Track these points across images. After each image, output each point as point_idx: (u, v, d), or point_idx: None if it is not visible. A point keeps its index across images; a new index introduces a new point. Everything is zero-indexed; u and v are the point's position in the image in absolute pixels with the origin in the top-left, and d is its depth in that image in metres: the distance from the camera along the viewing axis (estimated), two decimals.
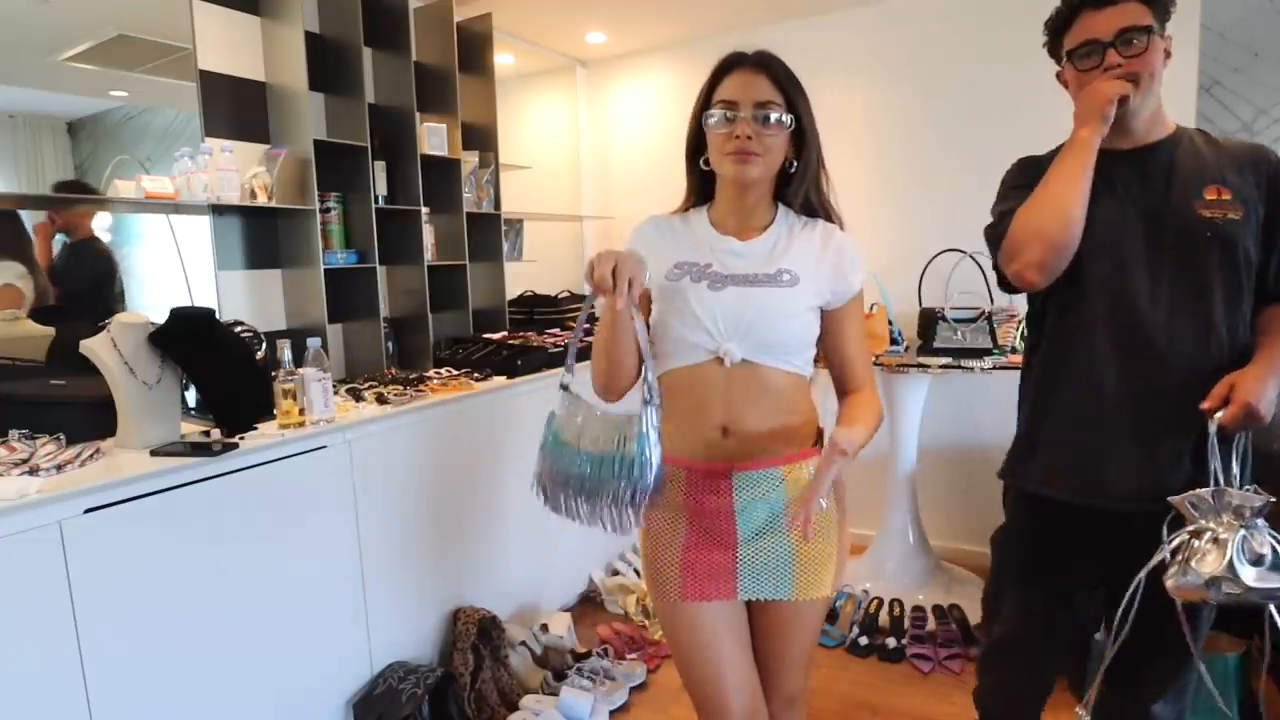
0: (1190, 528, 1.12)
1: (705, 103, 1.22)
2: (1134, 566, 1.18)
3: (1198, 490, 1.13)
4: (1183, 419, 1.18)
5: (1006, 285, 1.34)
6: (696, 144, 1.27)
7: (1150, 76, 1.20)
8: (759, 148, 1.17)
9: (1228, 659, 1.91)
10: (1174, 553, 1.13)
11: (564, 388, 1.18)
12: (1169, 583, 1.11)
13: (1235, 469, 1.16)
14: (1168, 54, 1.22)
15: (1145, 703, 1.33)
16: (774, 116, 1.16)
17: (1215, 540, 1.09)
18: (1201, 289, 1.20)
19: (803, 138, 1.21)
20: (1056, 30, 1.29)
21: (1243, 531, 1.08)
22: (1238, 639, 2.06)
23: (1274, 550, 1.07)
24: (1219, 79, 2.50)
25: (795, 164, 1.23)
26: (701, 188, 1.31)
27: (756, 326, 1.19)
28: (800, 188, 1.24)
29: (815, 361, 1.30)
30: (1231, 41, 2.46)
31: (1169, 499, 1.15)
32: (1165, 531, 1.16)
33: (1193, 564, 1.09)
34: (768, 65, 1.19)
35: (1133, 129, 1.25)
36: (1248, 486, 1.14)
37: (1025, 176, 1.33)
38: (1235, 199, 1.19)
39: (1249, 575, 1.06)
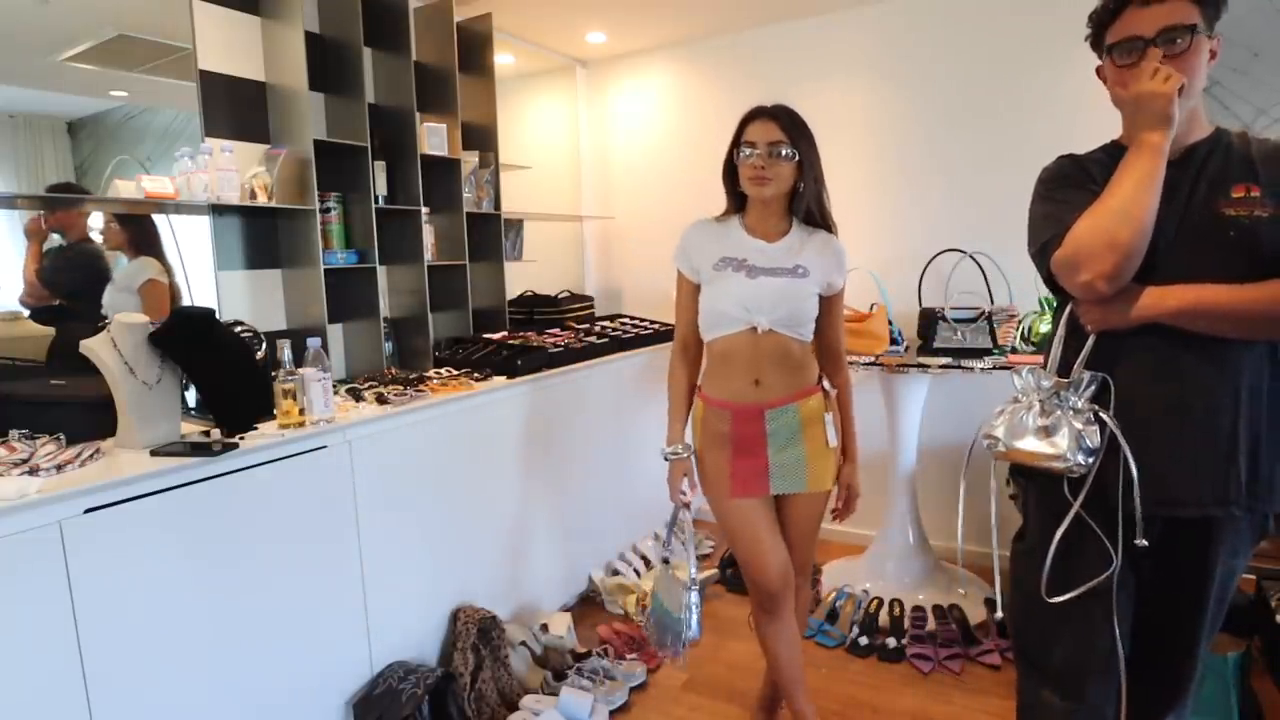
0: (1014, 395, 1.29)
1: (736, 142, 1.68)
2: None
3: (1036, 371, 1.27)
4: (1207, 426, 1.15)
5: (1060, 290, 1.26)
6: (731, 172, 1.72)
7: (1192, 77, 1.14)
8: (771, 174, 1.64)
9: (1228, 659, 1.91)
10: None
11: (664, 561, 1.87)
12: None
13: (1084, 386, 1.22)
14: (1213, 54, 1.17)
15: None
16: (782, 152, 1.62)
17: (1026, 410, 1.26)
18: None
19: (804, 167, 1.66)
20: (1101, 24, 1.24)
21: (1038, 405, 1.23)
22: (1238, 639, 2.06)
23: (1044, 426, 1.21)
24: (1219, 79, 2.50)
25: (801, 186, 1.67)
26: (736, 202, 1.77)
27: (780, 305, 1.66)
28: (804, 203, 1.70)
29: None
30: (1231, 41, 2.46)
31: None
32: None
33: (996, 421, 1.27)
34: (778, 116, 1.64)
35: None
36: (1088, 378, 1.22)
37: (1071, 178, 1.26)
38: (1266, 195, 1.13)
39: (1002, 430, 1.25)
